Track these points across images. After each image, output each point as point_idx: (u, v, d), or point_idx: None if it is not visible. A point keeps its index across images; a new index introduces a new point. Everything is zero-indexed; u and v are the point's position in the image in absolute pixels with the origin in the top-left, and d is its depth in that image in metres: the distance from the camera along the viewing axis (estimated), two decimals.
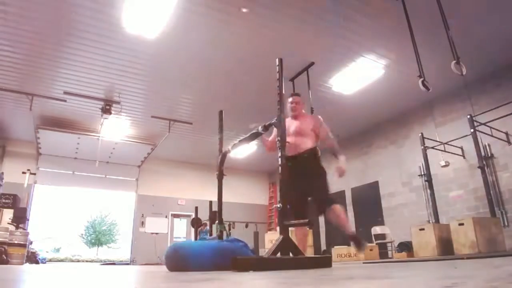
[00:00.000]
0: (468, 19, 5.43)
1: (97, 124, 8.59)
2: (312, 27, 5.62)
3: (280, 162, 2.77)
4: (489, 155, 6.81)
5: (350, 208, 9.99)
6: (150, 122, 8.73)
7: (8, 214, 8.02)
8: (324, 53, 6.34)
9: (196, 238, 9.03)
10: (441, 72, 5.99)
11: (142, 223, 11.00)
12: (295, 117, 3.56)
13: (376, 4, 5.15)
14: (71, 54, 6.09)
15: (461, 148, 7.30)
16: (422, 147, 7.20)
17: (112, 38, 5.67)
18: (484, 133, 6.40)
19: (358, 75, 6.96)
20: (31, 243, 8.46)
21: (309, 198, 3.41)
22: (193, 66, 6.67)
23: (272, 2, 5.06)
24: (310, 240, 6.89)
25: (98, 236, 35.78)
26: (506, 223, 6.29)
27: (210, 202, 7.16)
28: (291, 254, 2.68)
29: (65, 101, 7.62)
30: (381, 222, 8.65)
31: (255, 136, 3.41)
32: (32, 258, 8.26)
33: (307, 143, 3.38)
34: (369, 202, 9.38)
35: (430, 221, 7.22)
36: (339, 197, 10.30)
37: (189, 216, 10.93)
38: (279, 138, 2.88)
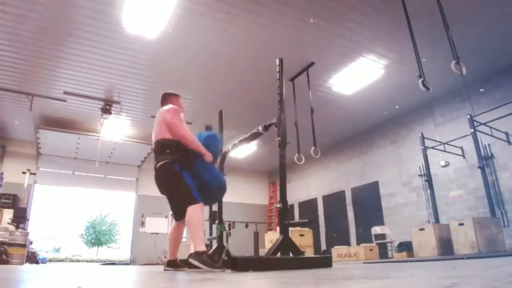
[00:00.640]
0: (468, 19, 5.43)
1: (97, 124, 8.59)
2: (312, 27, 5.62)
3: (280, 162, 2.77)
4: (489, 155, 6.81)
5: (350, 208, 10.01)
6: (150, 122, 8.71)
7: (8, 214, 8.01)
8: (324, 53, 6.34)
9: None
10: (441, 72, 6.01)
11: (142, 223, 10.99)
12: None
13: (376, 4, 5.15)
14: (71, 54, 6.08)
15: (461, 148, 7.30)
16: (422, 147, 7.20)
17: (112, 38, 5.67)
18: (484, 133, 6.40)
19: (358, 75, 6.96)
20: (31, 243, 8.45)
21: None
22: (193, 66, 6.66)
23: (272, 2, 5.06)
24: (310, 240, 6.88)
25: (98, 236, 35.80)
26: (506, 223, 6.29)
27: None
28: (291, 254, 2.68)
29: (65, 101, 7.62)
30: (381, 222, 8.65)
31: (255, 136, 3.42)
32: (32, 258, 8.25)
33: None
34: (369, 202, 9.38)
35: (430, 221, 7.22)
36: (339, 197, 10.34)
37: None
38: (279, 138, 2.88)
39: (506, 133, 6.53)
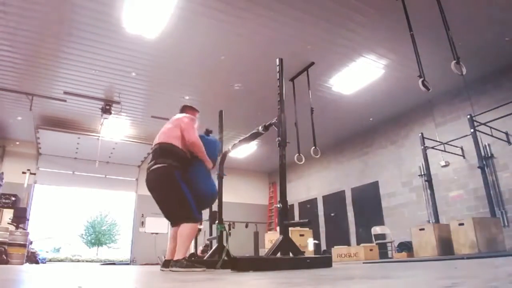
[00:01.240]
0: (469, 19, 5.43)
1: (97, 124, 8.59)
2: (312, 27, 5.63)
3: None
4: (489, 155, 6.81)
5: (350, 208, 10.01)
6: (150, 122, 8.73)
7: (8, 214, 8.01)
8: (324, 53, 6.34)
9: (196, 238, 9.01)
10: (441, 72, 6.00)
11: (142, 223, 10.99)
12: None
13: (376, 4, 5.15)
14: (71, 54, 6.09)
15: (461, 148, 7.30)
16: (422, 147, 7.20)
17: (112, 38, 5.67)
18: (484, 133, 6.40)
19: (358, 75, 6.96)
20: (31, 243, 8.45)
21: None
22: (193, 66, 6.67)
23: (272, 2, 5.06)
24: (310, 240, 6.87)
25: (98, 236, 35.80)
26: (506, 223, 6.29)
27: None
28: (291, 254, 2.68)
29: (65, 101, 7.62)
30: (381, 222, 8.65)
31: (255, 136, 3.42)
32: (32, 258, 8.26)
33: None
34: (369, 202, 9.38)
35: (430, 221, 7.23)
36: (339, 197, 10.34)
37: None
38: (279, 138, 2.88)
39: (506, 133, 6.53)
